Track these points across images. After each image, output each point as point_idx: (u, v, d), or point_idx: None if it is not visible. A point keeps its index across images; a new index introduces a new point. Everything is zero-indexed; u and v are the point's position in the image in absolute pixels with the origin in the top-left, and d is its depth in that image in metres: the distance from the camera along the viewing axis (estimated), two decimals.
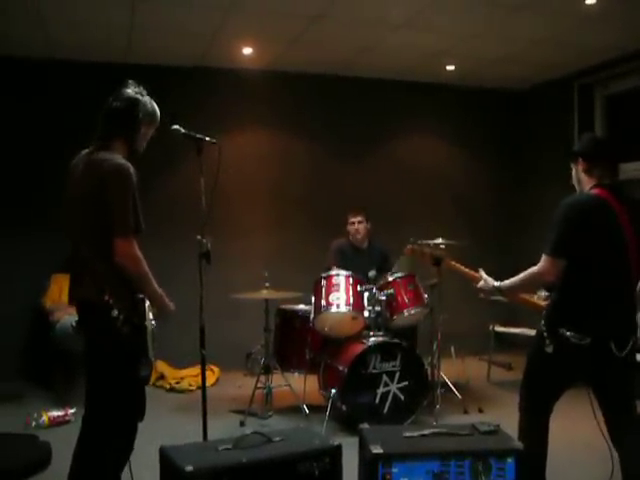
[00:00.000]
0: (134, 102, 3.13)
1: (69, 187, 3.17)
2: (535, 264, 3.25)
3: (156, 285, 3.12)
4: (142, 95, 3.18)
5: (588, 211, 3.18)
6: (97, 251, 3.00)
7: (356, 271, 5.51)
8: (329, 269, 5.63)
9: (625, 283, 3.20)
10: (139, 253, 3.00)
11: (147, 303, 3.12)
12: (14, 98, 6.50)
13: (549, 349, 3.17)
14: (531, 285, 3.40)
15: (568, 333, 3.10)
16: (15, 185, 6.47)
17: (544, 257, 3.18)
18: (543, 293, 3.59)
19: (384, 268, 5.93)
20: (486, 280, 3.54)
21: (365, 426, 3.10)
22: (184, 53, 6.61)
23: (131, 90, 3.17)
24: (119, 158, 3.05)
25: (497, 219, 8.11)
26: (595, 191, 3.22)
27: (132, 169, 3.03)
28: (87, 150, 3.17)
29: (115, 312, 2.95)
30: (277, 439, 2.95)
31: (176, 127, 3.45)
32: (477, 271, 3.66)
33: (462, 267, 3.81)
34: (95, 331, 3.08)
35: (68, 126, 6.39)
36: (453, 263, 3.88)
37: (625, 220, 3.15)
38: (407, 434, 3.00)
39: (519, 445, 2.90)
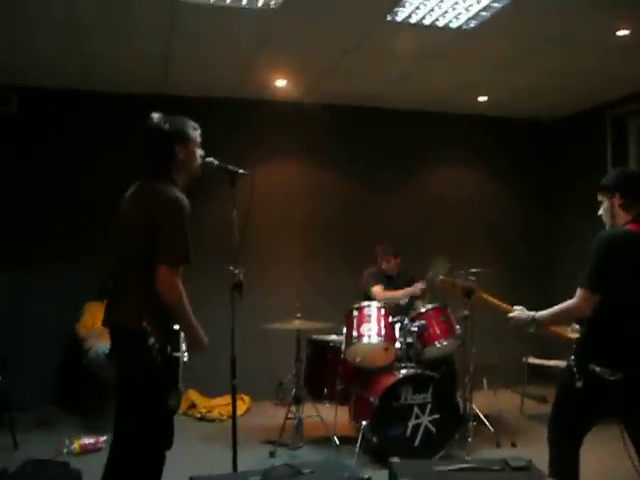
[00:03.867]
0: (160, 138, 3.18)
1: (120, 215, 3.23)
2: (566, 295, 3.22)
3: (194, 319, 3.14)
4: (163, 123, 3.20)
5: (624, 246, 3.16)
6: (142, 278, 3.03)
7: None
8: (367, 294, 5.69)
9: None
10: (180, 285, 3.04)
11: (182, 335, 3.14)
12: (52, 130, 6.67)
13: (579, 384, 3.13)
14: (566, 319, 3.37)
15: (598, 368, 3.07)
16: (50, 215, 6.60)
17: (580, 292, 3.15)
18: (576, 326, 3.55)
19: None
20: (521, 311, 3.50)
21: (395, 460, 3.06)
22: (218, 85, 6.71)
23: (154, 123, 3.20)
24: (173, 190, 3.11)
25: (528, 250, 8.04)
26: (630, 227, 3.20)
27: (186, 202, 3.08)
28: (140, 182, 3.24)
29: (151, 340, 2.97)
30: (306, 471, 2.93)
31: (210, 159, 3.49)
32: (510, 304, 3.63)
33: (493, 299, 3.77)
34: (129, 357, 3.10)
35: (107, 157, 6.57)
36: (485, 296, 3.85)
37: None
38: (438, 468, 2.97)
39: None
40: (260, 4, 4.67)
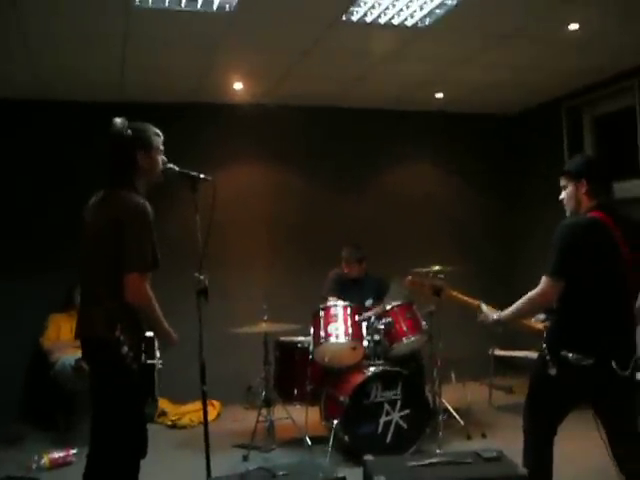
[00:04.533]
0: (121, 145, 3.15)
1: (85, 225, 3.21)
2: (529, 287, 3.27)
3: (165, 324, 3.15)
4: (125, 129, 3.18)
5: (587, 234, 3.21)
6: (110, 288, 3.01)
7: (353, 300, 5.53)
8: (326, 299, 5.65)
9: (624, 303, 3.23)
10: (149, 290, 3.03)
11: (156, 342, 3.13)
12: (12, 141, 6.58)
13: (552, 371, 3.18)
14: (532, 310, 3.41)
15: (570, 355, 3.12)
16: (13, 226, 6.49)
17: (544, 279, 3.20)
18: (541, 316, 3.60)
19: (383, 296, 5.95)
20: (486, 314, 3.53)
21: (369, 457, 3.09)
22: (176, 90, 6.66)
23: (117, 129, 3.17)
24: (136, 197, 3.09)
25: (491, 244, 8.12)
26: (593, 213, 3.25)
27: (149, 208, 3.07)
28: (103, 190, 3.22)
29: (125, 349, 2.95)
30: (281, 474, 2.94)
31: (170, 166, 3.46)
32: (476, 299, 3.66)
33: (462, 296, 3.81)
34: (104, 367, 3.08)
35: (67, 167, 6.52)
36: (454, 293, 3.88)
37: (621, 240, 3.18)
38: (411, 464, 3.00)
39: (523, 471, 2.90)
40: (215, 7, 4.66)
